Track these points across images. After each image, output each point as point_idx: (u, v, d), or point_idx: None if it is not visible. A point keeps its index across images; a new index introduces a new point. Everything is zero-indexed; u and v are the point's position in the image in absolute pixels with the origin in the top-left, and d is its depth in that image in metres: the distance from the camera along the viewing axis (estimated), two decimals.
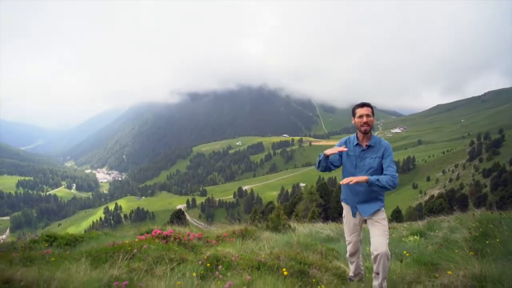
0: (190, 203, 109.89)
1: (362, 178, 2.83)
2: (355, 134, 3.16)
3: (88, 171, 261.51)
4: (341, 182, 2.93)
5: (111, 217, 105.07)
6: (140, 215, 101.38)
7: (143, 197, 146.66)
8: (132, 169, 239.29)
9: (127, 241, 3.36)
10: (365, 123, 2.96)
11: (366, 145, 3.04)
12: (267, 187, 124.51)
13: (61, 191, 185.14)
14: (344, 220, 3.33)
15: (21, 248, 3.31)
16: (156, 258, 3.09)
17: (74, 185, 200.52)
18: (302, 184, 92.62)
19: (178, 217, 20.65)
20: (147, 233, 4.71)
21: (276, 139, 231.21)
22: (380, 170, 3.01)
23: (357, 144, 3.09)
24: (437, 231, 5.54)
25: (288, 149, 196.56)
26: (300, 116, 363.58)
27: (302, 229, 6.36)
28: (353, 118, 3.08)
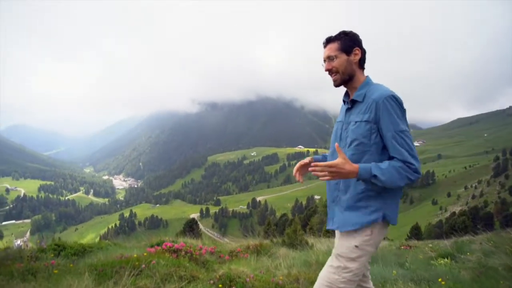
0: (204, 212, 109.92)
1: (341, 165, 1.48)
2: None
3: (105, 177, 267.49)
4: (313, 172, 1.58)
5: (125, 224, 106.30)
6: (154, 223, 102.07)
7: (158, 205, 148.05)
8: (148, 177, 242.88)
9: (135, 255, 3.17)
10: (328, 71, 1.76)
11: (351, 101, 1.77)
12: (281, 198, 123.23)
13: (79, 196, 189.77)
14: None
15: (26, 258, 3.17)
16: (165, 275, 2.87)
17: (92, 191, 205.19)
18: (317, 197, 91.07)
19: (191, 226, 20.48)
20: (158, 245, 4.53)
21: (291, 150, 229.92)
22: (375, 146, 1.62)
23: (345, 101, 1.86)
24: (468, 254, 5.07)
25: None
26: (315, 127, 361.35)
27: (320, 246, 6.00)
28: None
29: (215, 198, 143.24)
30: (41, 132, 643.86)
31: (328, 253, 5.30)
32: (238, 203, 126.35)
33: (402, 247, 6.76)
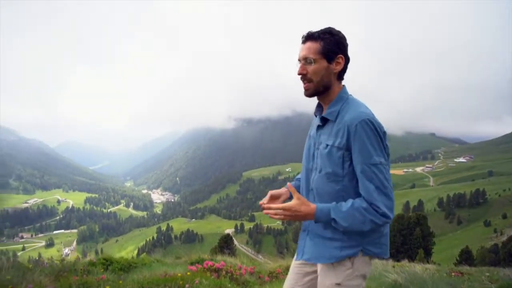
0: (238, 228, 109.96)
1: (297, 207, 1.29)
2: None
3: (144, 191, 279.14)
4: (262, 205, 1.45)
5: (162, 237, 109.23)
6: (189, 237, 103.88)
7: (193, 220, 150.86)
8: (184, 191, 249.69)
9: (179, 274, 3.23)
10: (300, 75, 1.40)
11: (322, 119, 1.47)
12: None
13: (120, 209, 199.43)
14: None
15: (80, 271, 3.36)
16: None
17: (132, 204, 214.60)
18: None
19: (226, 242, 20.57)
20: (198, 262, 4.59)
21: None
22: (349, 176, 1.34)
23: (316, 115, 1.56)
24: None
25: None
26: None
27: None
28: None
29: (249, 214, 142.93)
30: (88, 147, 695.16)
31: (372, 279, 5.00)
32: (272, 219, 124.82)
33: (453, 274, 6.19)
